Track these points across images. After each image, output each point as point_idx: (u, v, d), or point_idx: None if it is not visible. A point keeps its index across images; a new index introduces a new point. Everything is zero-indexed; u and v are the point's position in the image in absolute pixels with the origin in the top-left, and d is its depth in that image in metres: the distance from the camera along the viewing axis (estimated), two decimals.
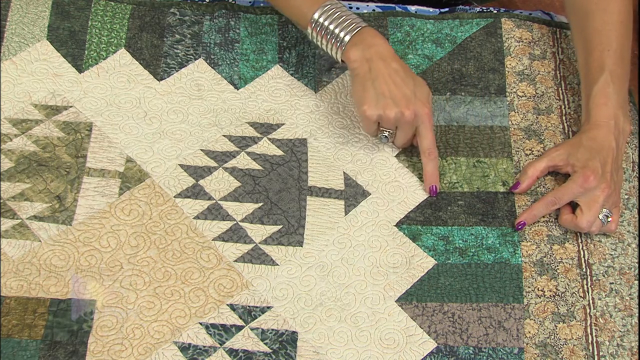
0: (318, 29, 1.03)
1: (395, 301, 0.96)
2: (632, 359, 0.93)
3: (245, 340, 0.93)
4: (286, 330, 0.94)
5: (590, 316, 0.96)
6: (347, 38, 1.02)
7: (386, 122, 1.01)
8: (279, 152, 1.06)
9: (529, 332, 0.94)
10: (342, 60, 1.04)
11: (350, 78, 1.05)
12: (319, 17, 1.03)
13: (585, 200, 0.99)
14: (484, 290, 0.97)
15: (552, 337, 0.94)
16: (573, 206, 1.01)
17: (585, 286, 0.98)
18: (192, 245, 0.99)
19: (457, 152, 1.08)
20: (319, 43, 1.05)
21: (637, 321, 0.96)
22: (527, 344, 0.94)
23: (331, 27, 1.02)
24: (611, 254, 1.00)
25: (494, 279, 0.98)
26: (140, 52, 1.13)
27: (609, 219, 0.99)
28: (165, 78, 1.12)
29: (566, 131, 1.10)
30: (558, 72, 1.15)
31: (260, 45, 1.15)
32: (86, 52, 1.13)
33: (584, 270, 0.99)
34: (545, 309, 0.96)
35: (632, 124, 1.06)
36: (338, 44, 1.03)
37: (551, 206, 1.01)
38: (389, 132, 1.03)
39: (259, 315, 0.94)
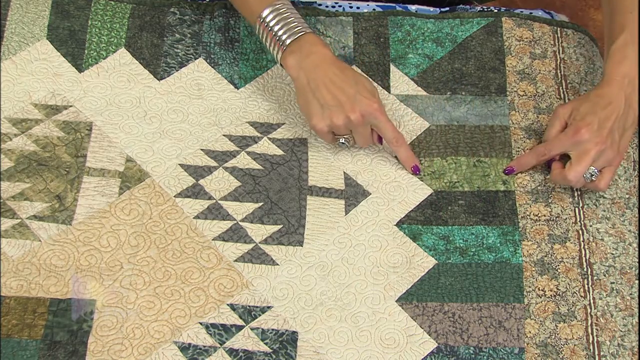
0: (265, 26, 1.03)
1: (396, 301, 0.96)
2: (633, 359, 0.93)
3: (245, 340, 0.93)
4: (286, 330, 0.94)
5: (591, 316, 0.96)
6: (288, 41, 1.02)
7: (337, 129, 1.01)
8: (279, 152, 1.06)
9: (530, 332, 0.94)
10: (281, 65, 1.04)
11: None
12: (267, 14, 1.02)
13: (576, 153, 0.99)
14: (485, 290, 0.97)
15: (553, 337, 0.94)
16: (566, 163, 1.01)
17: (586, 286, 0.98)
18: (192, 245, 0.99)
19: (458, 152, 1.07)
20: (263, 40, 1.05)
21: (637, 321, 0.96)
22: (527, 344, 0.94)
23: (276, 28, 1.02)
24: (612, 254, 1.00)
25: (494, 278, 0.98)
26: (140, 51, 1.13)
27: (594, 177, 0.98)
28: (165, 77, 1.12)
29: None
30: (559, 71, 1.15)
31: (260, 44, 1.15)
32: (86, 51, 1.12)
33: (585, 269, 0.99)
34: (546, 308, 0.96)
35: None
36: (279, 45, 1.02)
37: (541, 156, 1.02)
38: (344, 137, 1.03)
39: (259, 315, 0.94)
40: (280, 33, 1.02)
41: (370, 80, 1.03)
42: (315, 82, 1.00)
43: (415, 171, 1.04)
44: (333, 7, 1.21)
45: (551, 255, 1.00)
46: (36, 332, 0.92)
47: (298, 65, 1.01)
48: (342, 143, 1.04)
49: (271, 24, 1.02)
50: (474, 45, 1.16)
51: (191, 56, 1.13)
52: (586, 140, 0.98)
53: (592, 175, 0.99)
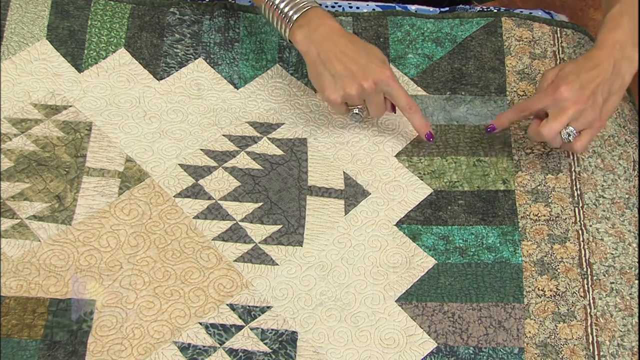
0: (270, 5, 1.03)
1: (395, 301, 0.96)
2: (633, 359, 0.93)
3: (245, 340, 0.93)
4: (286, 330, 0.93)
5: (591, 316, 0.96)
6: (294, 17, 1.02)
7: (351, 99, 1.02)
8: (279, 152, 1.06)
9: (529, 332, 0.94)
10: (290, 41, 1.05)
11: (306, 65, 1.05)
12: None
13: (554, 111, 0.98)
14: (484, 290, 0.97)
15: (553, 337, 0.94)
16: None
17: (586, 286, 0.98)
18: (192, 245, 0.99)
19: (457, 151, 1.07)
20: (270, 19, 1.05)
21: (637, 321, 0.96)
22: (527, 344, 0.94)
23: (282, 5, 1.03)
24: (612, 254, 1.00)
25: (494, 278, 0.98)
26: (140, 51, 1.13)
27: (571, 138, 0.98)
28: (165, 77, 1.12)
29: None
30: None
31: (260, 44, 1.15)
32: (86, 51, 1.12)
33: (585, 269, 0.99)
34: (546, 308, 0.96)
35: None
36: (286, 22, 1.03)
37: (520, 112, 1.02)
38: (358, 108, 1.04)
39: (259, 315, 0.94)
40: (286, 10, 1.02)
41: (379, 49, 1.03)
42: (326, 54, 1.01)
43: (429, 137, 1.05)
44: (333, 7, 1.21)
45: (551, 255, 1.00)
46: (36, 332, 0.92)
47: (307, 39, 1.02)
48: (356, 114, 1.04)
49: (276, 1, 1.03)
50: (474, 45, 1.16)
51: (191, 56, 1.13)
52: (565, 98, 0.97)
53: (569, 135, 0.98)
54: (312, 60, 1.02)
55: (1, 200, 1.00)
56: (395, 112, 1.06)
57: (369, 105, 1.03)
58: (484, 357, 0.93)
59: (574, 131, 0.98)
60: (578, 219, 1.02)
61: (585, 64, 0.99)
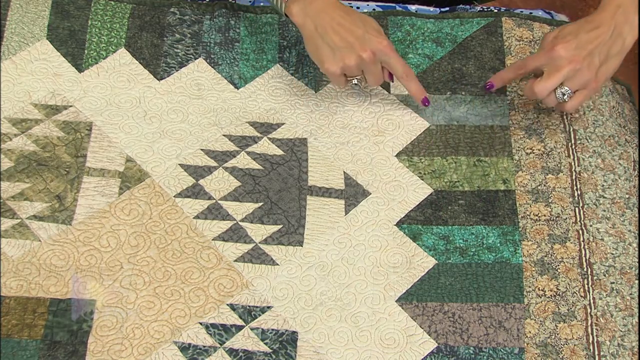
0: None
1: (396, 301, 0.96)
2: (633, 359, 0.93)
3: (245, 340, 0.93)
4: (286, 330, 0.93)
5: (591, 316, 0.96)
6: None
7: (350, 70, 1.03)
8: (279, 152, 1.06)
9: (530, 332, 0.94)
10: (286, 15, 1.05)
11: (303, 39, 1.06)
12: None
13: (549, 69, 0.98)
14: (485, 290, 0.97)
15: (553, 337, 0.94)
16: None
17: (586, 286, 0.98)
18: (192, 245, 0.99)
19: (458, 152, 1.07)
20: None
21: (637, 321, 0.96)
22: (527, 344, 0.94)
23: None
24: (612, 254, 1.00)
25: (494, 278, 0.98)
26: (140, 51, 1.13)
27: (566, 97, 0.98)
28: (165, 77, 1.12)
29: (567, 130, 1.10)
30: None
31: (261, 44, 1.15)
32: (86, 51, 1.12)
33: (585, 269, 0.99)
34: (546, 308, 0.96)
35: None
36: None
37: (518, 70, 1.03)
38: (357, 78, 1.05)
39: (259, 315, 0.94)
40: None
41: (374, 20, 1.04)
42: (323, 27, 1.01)
43: (425, 103, 1.07)
44: None
45: (551, 255, 1.00)
46: (36, 332, 0.92)
47: (303, 12, 1.02)
48: (355, 84, 1.06)
49: None
50: (474, 45, 1.16)
51: (191, 56, 1.13)
52: (560, 57, 0.97)
53: (564, 94, 0.98)
54: (310, 34, 1.03)
55: (1, 200, 1.00)
56: (392, 81, 1.08)
57: (367, 75, 1.04)
58: (484, 357, 0.93)
59: (569, 91, 0.98)
60: (578, 219, 1.02)
61: (585, 25, 0.99)
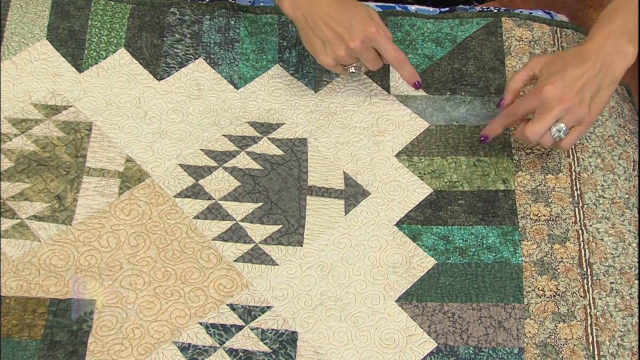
0: None
1: (395, 301, 0.96)
2: (633, 359, 0.93)
3: (245, 340, 0.93)
4: (286, 330, 0.94)
5: (591, 316, 0.96)
6: None
7: (343, 60, 1.03)
8: (279, 152, 1.06)
9: (529, 332, 0.94)
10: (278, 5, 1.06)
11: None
12: None
13: (539, 111, 0.96)
14: (484, 290, 0.97)
15: (553, 337, 0.94)
16: None
17: (586, 286, 0.98)
18: (192, 245, 0.99)
19: (457, 152, 1.07)
20: None
21: (637, 321, 0.96)
22: (527, 344, 0.94)
23: None
24: (612, 254, 1.00)
25: (494, 278, 0.98)
26: (140, 51, 1.13)
27: (562, 135, 0.96)
28: (165, 78, 1.12)
29: None
30: None
31: (260, 44, 1.15)
32: (86, 51, 1.12)
33: (585, 269, 0.99)
34: (546, 308, 0.96)
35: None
36: None
37: (508, 118, 1.01)
38: (354, 66, 1.05)
39: (259, 315, 0.94)
40: None
41: (368, 5, 1.04)
42: (313, 19, 1.02)
43: (417, 86, 1.06)
44: None
45: (551, 255, 1.00)
46: (36, 332, 0.92)
47: (293, 4, 1.03)
48: (353, 72, 1.06)
49: None
50: (474, 45, 1.16)
51: (191, 56, 1.13)
52: (549, 98, 0.95)
53: (559, 131, 0.96)
54: (302, 26, 1.03)
55: (1, 200, 1.00)
56: None
57: (363, 62, 1.04)
58: (484, 357, 0.93)
59: (564, 128, 0.96)
60: (578, 219, 1.02)
61: (574, 58, 0.97)
